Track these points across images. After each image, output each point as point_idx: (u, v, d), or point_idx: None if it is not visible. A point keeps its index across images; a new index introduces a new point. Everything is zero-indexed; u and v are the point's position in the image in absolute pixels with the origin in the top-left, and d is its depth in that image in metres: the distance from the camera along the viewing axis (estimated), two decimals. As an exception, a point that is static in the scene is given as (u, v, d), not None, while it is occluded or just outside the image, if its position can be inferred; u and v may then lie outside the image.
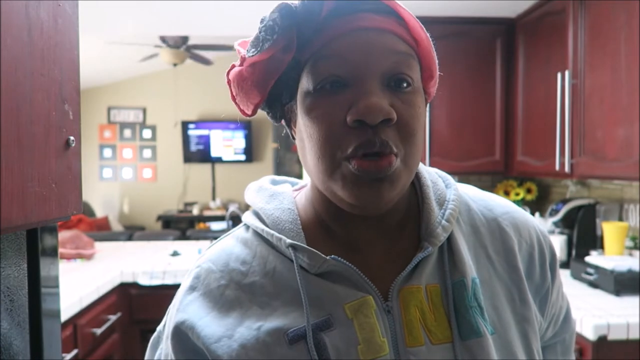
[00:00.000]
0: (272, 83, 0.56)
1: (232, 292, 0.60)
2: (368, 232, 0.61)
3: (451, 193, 0.65)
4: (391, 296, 0.57)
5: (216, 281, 0.61)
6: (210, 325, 0.58)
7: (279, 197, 0.66)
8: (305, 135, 0.57)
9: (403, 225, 0.62)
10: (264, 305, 0.58)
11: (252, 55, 0.54)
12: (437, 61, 0.60)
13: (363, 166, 0.52)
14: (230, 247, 0.65)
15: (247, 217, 0.66)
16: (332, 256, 0.57)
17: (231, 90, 0.60)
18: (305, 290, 0.57)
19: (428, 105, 0.64)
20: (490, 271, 0.62)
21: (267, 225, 0.63)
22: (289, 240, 0.59)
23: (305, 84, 0.56)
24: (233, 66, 0.58)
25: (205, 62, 5.27)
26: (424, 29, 0.58)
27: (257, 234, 0.64)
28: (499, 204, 0.68)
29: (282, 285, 0.59)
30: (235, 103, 0.60)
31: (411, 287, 0.58)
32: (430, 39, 0.59)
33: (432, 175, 0.68)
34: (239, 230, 0.67)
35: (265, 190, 0.68)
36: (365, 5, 0.55)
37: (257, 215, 0.65)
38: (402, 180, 0.55)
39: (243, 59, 0.56)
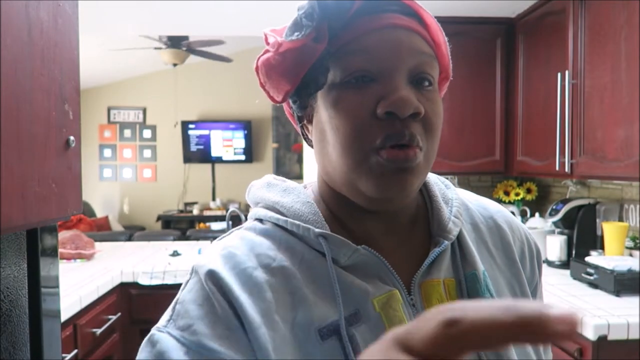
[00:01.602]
0: (305, 72, 0.57)
1: (261, 274, 0.56)
2: (382, 229, 0.61)
3: (452, 193, 0.68)
4: (413, 290, 0.58)
5: (243, 263, 0.56)
6: (248, 306, 0.53)
7: (294, 191, 0.64)
8: (328, 127, 0.57)
9: (413, 223, 0.64)
10: (295, 292, 0.55)
11: (295, 39, 0.55)
12: (451, 63, 0.63)
13: (392, 155, 0.53)
14: (250, 236, 0.61)
15: (261, 212, 0.63)
16: (363, 246, 0.57)
17: (259, 77, 0.60)
18: (336, 282, 0.55)
19: None
20: (492, 265, 0.64)
21: (288, 218, 0.60)
22: (318, 230, 0.57)
23: (332, 76, 0.57)
24: (266, 51, 0.58)
25: (225, 59, 5.26)
26: (443, 32, 0.60)
27: (277, 226, 0.61)
28: (491, 204, 0.72)
29: (311, 276, 0.57)
30: (265, 90, 0.60)
31: (432, 281, 0.59)
32: (447, 43, 0.61)
33: (433, 178, 0.70)
34: (251, 224, 0.63)
35: (276, 185, 0.66)
36: (391, 6, 0.57)
37: (273, 209, 0.62)
38: (422, 174, 0.57)
39: (278, 45, 0.57)
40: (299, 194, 0.63)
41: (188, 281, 0.58)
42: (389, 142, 0.54)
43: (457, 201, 0.66)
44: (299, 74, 0.57)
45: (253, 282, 0.55)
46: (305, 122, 0.63)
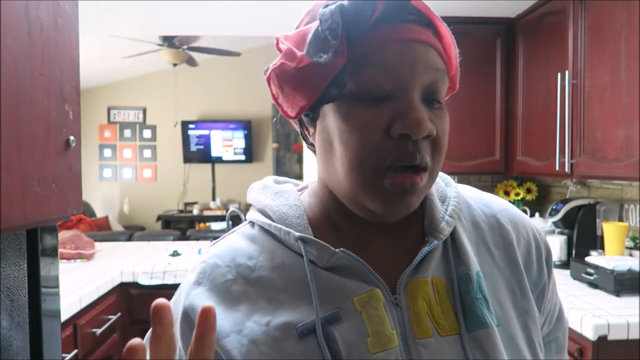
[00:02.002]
0: (324, 87, 0.54)
1: (239, 287, 0.60)
2: (373, 229, 0.61)
3: (452, 191, 0.67)
4: (399, 289, 0.58)
5: (222, 276, 0.61)
6: (218, 319, 0.57)
7: (285, 194, 0.66)
8: (337, 140, 0.56)
9: (407, 222, 0.63)
10: (272, 299, 0.58)
11: (327, 60, 0.52)
12: (459, 75, 0.63)
13: (398, 181, 0.54)
14: (236, 243, 0.64)
15: (252, 215, 0.66)
16: (341, 249, 0.58)
17: (270, 88, 0.58)
18: (314, 283, 0.57)
19: None
20: (491, 265, 0.63)
21: (273, 221, 0.63)
22: (297, 234, 0.59)
23: (346, 88, 0.55)
24: (282, 63, 0.56)
25: (234, 54, 5.23)
26: (455, 44, 0.59)
27: (264, 230, 0.64)
28: (496, 202, 0.70)
29: (290, 279, 0.59)
30: (277, 103, 0.59)
31: (418, 280, 0.59)
32: (458, 55, 0.61)
33: None
34: (244, 227, 0.67)
35: (270, 188, 0.68)
36: (411, 15, 0.55)
37: (263, 212, 0.65)
38: (424, 192, 0.57)
39: (298, 59, 0.54)
40: (288, 197, 0.65)
41: (177, 295, 0.64)
42: (399, 163, 0.53)
43: (456, 199, 0.65)
44: (317, 89, 0.54)
45: (230, 295, 0.59)
46: (306, 122, 0.62)
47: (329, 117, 0.57)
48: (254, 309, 0.58)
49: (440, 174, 0.70)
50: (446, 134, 0.57)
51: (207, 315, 0.43)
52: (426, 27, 0.56)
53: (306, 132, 0.63)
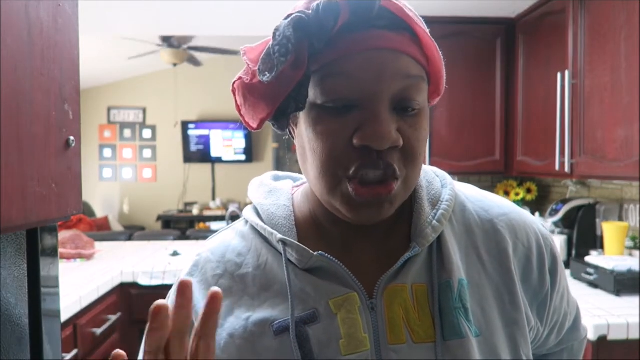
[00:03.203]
0: (282, 99, 0.54)
1: (225, 281, 0.63)
2: (359, 231, 0.62)
3: (446, 193, 0.65)
4: (376, 294, 0.58)
5: (212, 270, 0.64)
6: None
7: (277, 193, 0.67)
8: (307, 147, 0.57)
9: (394, 225, 0.63)
10: (255, 297, 0.61)
11: (268, 80, 0.52)
12: (445, 77, 0.60)
13: (361, 193, 0.53)
14: (229, 239, 0.67)
15: (246, 212, 0.68)
16: (319, 252, 0.58)
17: (236, 101, 0.59)
18: (292, 284, 0.59)
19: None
20: (480, 273, 0.61)
21: (262, 220, 0.65)
22: (279, 236, 0.61)
23: (313, 96, 0.55)
24: (240, 77, 0.57)
25: (234, 53, 5.23)
26: (437, 46, 0.57)
27: (254, 228, 0.66)
28: (497, 205, 0.67)
29: (272, 278, 0.61)
30: (240, 114, 0.59)
31: (396, 286, 0.58)
32: (442, 58, 0.58)
33: (429, 175, 0.67)
34: (239, 223, 0.69)
35: (265, 186, 0.70)
36: (381, 20, 0.53)
37: (255, 210, 0.67)
38: (400, 200, 0.57)
39: (253, 74, 0.54)
40: (280, 196, 0.67)
41: (174, 286, 0.66)
42: (362, 171, 0.53)
43: (449, 203, 0.63)
44: (276, 101, 0.54)
45: None
46: (293, 127, 0.62)
47: (302, 123, 0.58)
48: (237, 304, 0.61)
49: (439, 173, 0.69)
50: (421, 141, 0.56)
51: (216, 297, 0.47)
52: (400, 32, 0.54)
53: (292, 132, 0.63)
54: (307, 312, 0.58)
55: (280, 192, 0.68)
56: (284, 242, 0.60)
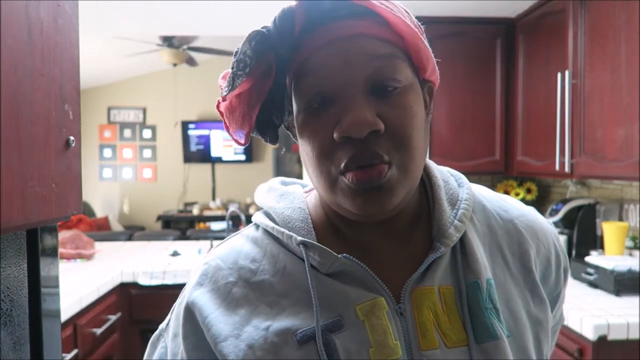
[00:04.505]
0: (257, 111, 0.56)
1: (240, 289, 0.59)
2: (378, 233, 0.59)
3: (464, 192, 0.63)
4: (403, 298, 0.56)
5: (224, 278, 0.60)
6: (217, 322, 0.57)
7: (290, 196, 0.65)
8: (303, 153, 0.57)
9: (414, 226, 0.61)
10: (273, 305, 0.57)
11: (226, 94, 0.53)
12: (429, 50, 0.57)
13: (357, 177, 0.52)
14: (240, 245, 0.63)
15: (257, 217, 0.65)
16: (344, 255, 0.56)
17: (224, 122, 0.59)
18: (316, 289, 0.56)
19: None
20: (505, 272, 0.61)
21: (277, 224, 0.62)
22: (300, 238, 0.58)
23: (294, 104, 0.56)
24: (218, 101, 0.58)
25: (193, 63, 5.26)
26: (410, 20, 0.55)
27: (268, 233, 0.63)
28: (514, 206, 0.66)
29: (292, 285, 0.58)
30: (229, 134, 0.59)
31: (424, 289, 0.56)
32: (419, 28, 0.56)
33: (444, 174, 0.66)
34: (249, 229, 0.66)
35: (276, 190, 0.67)
36: (340, 11, 0.53)
37: (267, 214, 0.64)
38: (402, 187, 0.54)
39: (222, 92, 0.56)
40: (293, 199, 0.64)
41: (180, 297, 0.64)
42: (353, 164, 0.52)
43: (468, 202, 0.62)
44: (252, 114, 0.56)
45: (230, 298, 0.59)
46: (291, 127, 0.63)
47: (297, 129, 0.58)
48: (254, 313, 0.57)
49: (454, 172, 0.68)
50: (409, 120, 0.53)
51: None
52: (361, 17, 0.53)
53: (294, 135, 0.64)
54: (332, 320, 0.55)
55: (293, 195, 0.65)
56: (305, 245, 0.57)
